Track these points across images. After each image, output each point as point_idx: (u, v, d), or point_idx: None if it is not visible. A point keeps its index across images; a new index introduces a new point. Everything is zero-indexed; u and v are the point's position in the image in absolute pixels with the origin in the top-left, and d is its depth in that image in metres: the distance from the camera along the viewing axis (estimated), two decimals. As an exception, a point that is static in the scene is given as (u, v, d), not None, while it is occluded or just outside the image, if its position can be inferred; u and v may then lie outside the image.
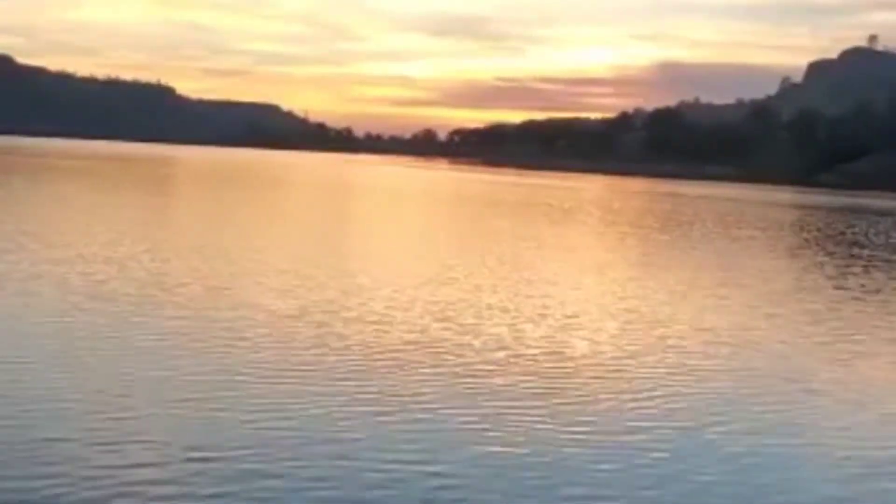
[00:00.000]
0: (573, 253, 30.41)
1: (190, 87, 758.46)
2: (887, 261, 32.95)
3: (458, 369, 12.64)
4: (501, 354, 13.67)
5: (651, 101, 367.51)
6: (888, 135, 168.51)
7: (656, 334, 15.88)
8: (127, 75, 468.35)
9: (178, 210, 43.04)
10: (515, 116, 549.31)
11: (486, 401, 11.13)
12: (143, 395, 10.50)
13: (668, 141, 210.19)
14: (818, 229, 48.74)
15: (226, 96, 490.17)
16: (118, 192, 50.31)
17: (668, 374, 13.08)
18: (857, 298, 22.25)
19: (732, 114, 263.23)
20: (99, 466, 8.28)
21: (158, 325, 14.35)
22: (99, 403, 10.09)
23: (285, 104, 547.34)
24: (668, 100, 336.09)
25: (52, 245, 23.01)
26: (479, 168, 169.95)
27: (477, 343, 14.34)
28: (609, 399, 11.56)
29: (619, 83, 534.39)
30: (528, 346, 14.31)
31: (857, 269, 28.95)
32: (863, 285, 24.86)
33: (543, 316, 17.05)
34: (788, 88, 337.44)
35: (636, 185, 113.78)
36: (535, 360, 13.38)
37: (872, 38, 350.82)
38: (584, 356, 13.97)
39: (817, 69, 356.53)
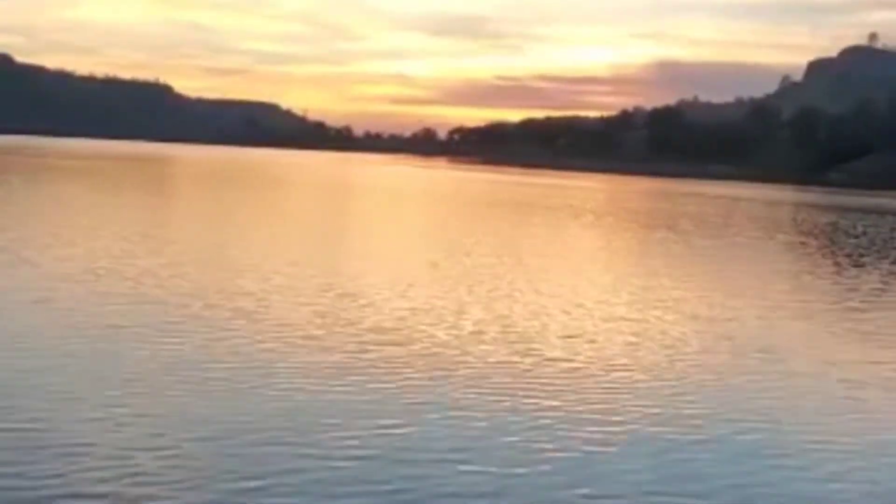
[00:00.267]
0: (650, 263, 27.81)
1: (189, 85, 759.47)
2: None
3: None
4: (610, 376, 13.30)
5: (650, 100, 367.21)
6: (890, 133, 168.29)
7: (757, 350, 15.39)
8: (126, 74, 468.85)
9: (188, 212, 42.62)
10: (514, 115, 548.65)
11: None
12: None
13: (669, 140, 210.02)
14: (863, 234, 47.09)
15: (225, 95, 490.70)
16: (122, 194, 49.90)
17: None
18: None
19: (732, 113, 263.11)
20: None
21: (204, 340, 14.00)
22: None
23: (284, 103, 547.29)
24: (668, 98, 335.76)
25: (60, 256, 22.72)
26: (480, 167, 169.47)
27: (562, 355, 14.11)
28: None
29: (618, 82, 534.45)
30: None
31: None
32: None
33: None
34: (788, 87, 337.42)
35: (646, 185, 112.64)
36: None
37: (872, 36, 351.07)
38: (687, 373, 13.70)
39: (817, 68, 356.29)
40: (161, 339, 13.53)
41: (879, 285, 25.33)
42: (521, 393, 11.70)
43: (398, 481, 8.52)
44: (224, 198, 51.70)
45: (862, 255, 34.16)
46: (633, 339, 15.58)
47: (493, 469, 8.96)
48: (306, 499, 8.03)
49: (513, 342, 14.70)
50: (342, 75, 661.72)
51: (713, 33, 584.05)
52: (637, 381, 12.68)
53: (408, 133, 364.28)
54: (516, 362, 13.38)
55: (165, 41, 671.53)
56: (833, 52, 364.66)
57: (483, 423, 10.35)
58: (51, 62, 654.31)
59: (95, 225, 29.05)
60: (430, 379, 12.17)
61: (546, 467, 9.10)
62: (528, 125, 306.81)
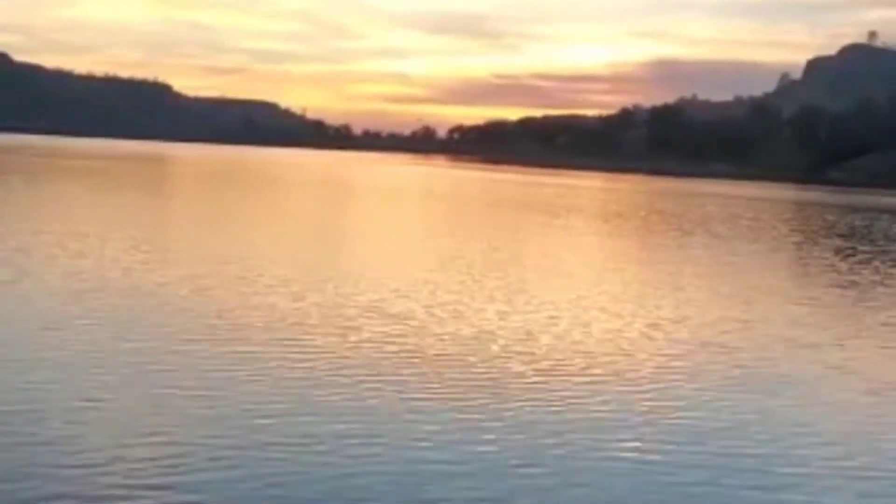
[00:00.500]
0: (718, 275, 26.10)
1: (188, 84, 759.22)
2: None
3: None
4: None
5: (648, 99, 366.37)
6: (891, 131, 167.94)
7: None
8: (125, 73, 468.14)
9: (195, 216, 42.02)
10: (512, 113, 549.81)
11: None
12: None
13: (670, 138, 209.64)
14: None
15: (224, 94, 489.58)
16: (125, 196, 49.38)
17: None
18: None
19: (731, 111, 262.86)
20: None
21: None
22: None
23: (283, 102, 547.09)
24: (666, 97, 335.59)
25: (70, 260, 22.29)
26: (481, 166, 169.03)
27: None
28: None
29: (617, 80, 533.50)
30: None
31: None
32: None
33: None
34: (787, 85, 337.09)
35: (652, 184, 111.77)
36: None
37: (872, 34, 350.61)
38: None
39: (816, 66, 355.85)
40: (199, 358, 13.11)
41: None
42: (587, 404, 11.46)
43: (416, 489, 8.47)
44: (229, 200, 51.06)
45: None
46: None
47: (503, 475, 8.91)
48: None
49: (597, 357, 14.23)
50: (341, 74, 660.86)
51: (711, 32, 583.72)
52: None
53: (407, 131, 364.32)
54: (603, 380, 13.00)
55: (164, 40, 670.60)
56: (831, 51, 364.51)
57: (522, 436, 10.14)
58: (49, 61, 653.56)
59: (103, 233, 27.62)
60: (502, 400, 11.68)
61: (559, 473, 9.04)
62: (527, 123, 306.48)
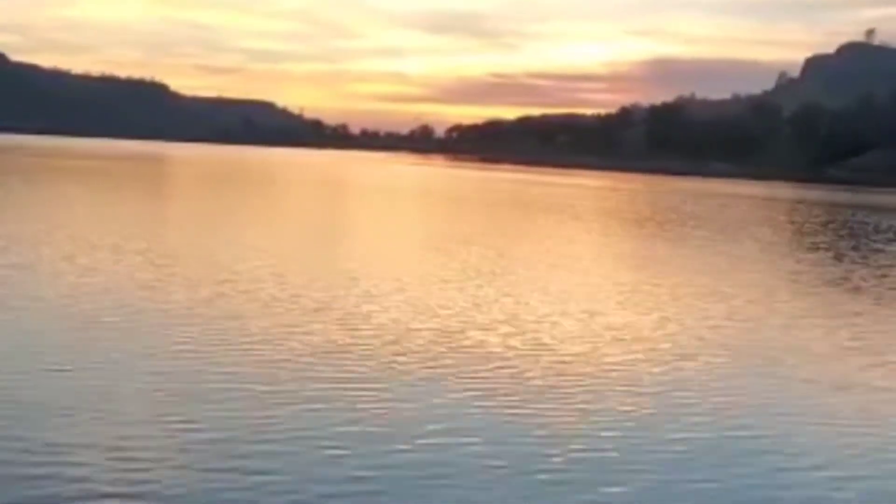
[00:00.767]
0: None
1: (185, 84, 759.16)
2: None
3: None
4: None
5: (646, 97, 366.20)
6: (893, 129, 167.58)
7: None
8: (121, 73, 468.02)
9: (203, 222, 41.35)
10: (510, 113, 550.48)
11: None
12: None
13: (669, 137, 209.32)
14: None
15: (221, 94, 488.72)
16: (126, 200, 48.63)
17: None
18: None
19: (729, 109, 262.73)
20: None
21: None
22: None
23: (281, 101, 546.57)
24: (664, 96, 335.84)
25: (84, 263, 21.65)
26: (479, 165, 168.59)
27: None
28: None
29: (614, 79, 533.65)
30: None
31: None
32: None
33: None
34: (785, 84, 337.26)
35: (657, 184, 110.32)
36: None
37: (870, 32, 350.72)
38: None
39: (814, 64, 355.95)
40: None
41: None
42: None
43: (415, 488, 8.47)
44: (232, 201, 50.23)
45: None
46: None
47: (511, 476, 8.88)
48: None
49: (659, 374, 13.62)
50: (338, 73, 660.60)
51: (709, 30, 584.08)
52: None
53: (405, 131, 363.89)
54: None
55: (161, 40, 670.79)
56: (828, 49, 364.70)
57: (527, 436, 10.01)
58: (46, 61, 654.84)
59: (113, 243, 25.42)
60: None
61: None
62: (525, 122, 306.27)
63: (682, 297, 20.54)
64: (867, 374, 13.95)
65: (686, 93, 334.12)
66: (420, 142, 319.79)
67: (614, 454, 9.67)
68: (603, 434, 10.27)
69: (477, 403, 11.19)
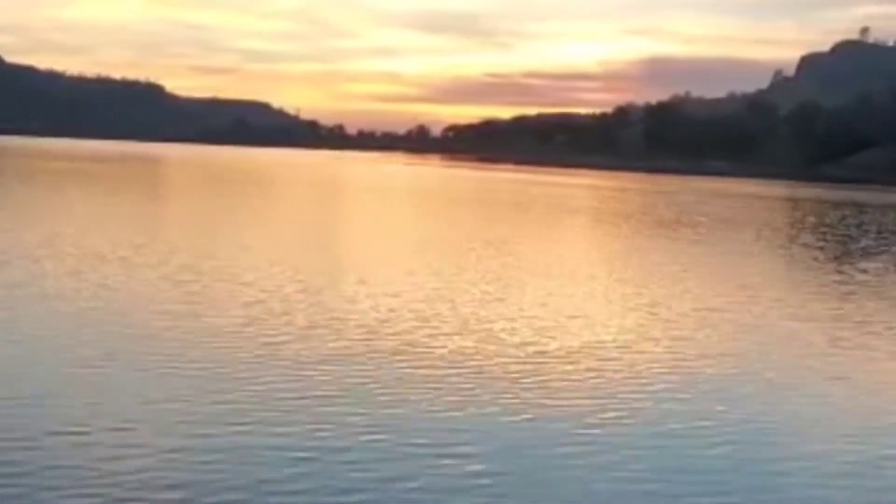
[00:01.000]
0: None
1: (180, 85, 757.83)
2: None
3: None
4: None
5: (642, 96, 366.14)
6: (890, 127, 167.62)
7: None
8: (117, 74, 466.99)
9: (211, 228, 41.45)
10: (505, 112, 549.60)
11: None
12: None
13: (666, 136, 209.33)
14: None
15: (216, 94, 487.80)
16: (129, 203, 48.45)
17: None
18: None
19: (725, 108, 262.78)
20: None
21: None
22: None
23: (276, 102, 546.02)
24: (659, 94, 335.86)
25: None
26: (477, 164, 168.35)
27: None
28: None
29: (609, 78, 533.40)
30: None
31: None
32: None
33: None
34: (780, 82, 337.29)
35: (659, 184, 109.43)
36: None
37: (864, 30, 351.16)
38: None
39: (809, 62, 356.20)
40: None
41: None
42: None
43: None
44: (237, 206, 50.06)
45: None
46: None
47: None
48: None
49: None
50: (332, 73, 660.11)
51: (703, 29, 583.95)
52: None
53: (400, 130, 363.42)
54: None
55: (156, 40, 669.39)
56: (822, 47, 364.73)
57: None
58: (41, 62, 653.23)
59: (123, 255, 24.01)
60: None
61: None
62: (521, 122, 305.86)
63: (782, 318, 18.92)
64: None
65: (681, 91, 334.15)
66: (417, 142, 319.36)
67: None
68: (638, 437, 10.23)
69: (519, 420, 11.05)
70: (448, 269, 23.42)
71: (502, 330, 15.79)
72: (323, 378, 12.13)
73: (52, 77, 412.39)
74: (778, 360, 14.69)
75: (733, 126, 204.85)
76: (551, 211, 51.66)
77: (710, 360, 14.32)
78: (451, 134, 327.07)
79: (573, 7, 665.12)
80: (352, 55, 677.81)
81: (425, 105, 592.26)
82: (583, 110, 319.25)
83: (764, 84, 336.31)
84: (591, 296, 20.30)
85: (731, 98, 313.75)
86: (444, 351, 14.06)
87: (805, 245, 36.61)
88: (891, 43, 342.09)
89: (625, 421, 10.91)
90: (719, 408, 11.76)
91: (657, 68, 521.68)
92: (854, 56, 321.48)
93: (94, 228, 29.12)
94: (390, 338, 14.77)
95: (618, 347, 14.93)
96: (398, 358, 13.37)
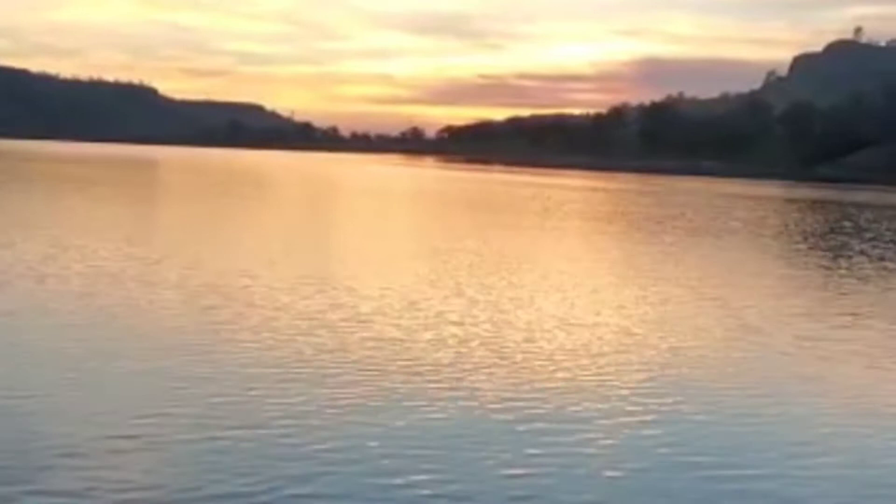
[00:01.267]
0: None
1: (173, 87, 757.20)
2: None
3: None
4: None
5: (634, 97, 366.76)
6: (885, 127, 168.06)
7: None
8: (110, 76, 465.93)
9: (217, 236, 41.38)
10: (498, 114, 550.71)
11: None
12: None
13: (660, 136, 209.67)
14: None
15: (209, 97, 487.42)
16: (129, 208, 48.33)
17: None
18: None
19: (718, 108, 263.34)
20: None
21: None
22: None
23: (268, 104, 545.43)
24: (652, 95, 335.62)
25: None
26: (471, 166, 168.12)
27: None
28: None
29: (601, 79, 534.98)
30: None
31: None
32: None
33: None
34: (774, 82, 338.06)
35: (659, 184, 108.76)
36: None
37: (858, 30, 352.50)
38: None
39: (802, 63, 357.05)
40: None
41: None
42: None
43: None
44: (239, 210, 50.14)
45: None
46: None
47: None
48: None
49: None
50: (325, 75, 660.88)
51: (696, 29, 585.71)
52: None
53: (393, 132, 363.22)
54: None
55: (149, 43, 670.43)
56: (815, 47, 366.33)
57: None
58: (35, 64, 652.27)
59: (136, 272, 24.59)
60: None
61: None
62: (515, 123, 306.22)
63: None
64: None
65: (675, 92, 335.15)
66: (411, 143, 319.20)
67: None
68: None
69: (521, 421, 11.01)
70: (469, 284, 23.46)
71: (526, 340, 15.41)
72: (323, 378, 12.06)
73: (46, 80, 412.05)
74: (778, 360, 14.70)
75: (727, 126, 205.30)
76: (551, 214, 51.62)
77: (709, 362, 14.33)
78: (445, 135, 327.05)
79: (566, 8, 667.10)
80: (344, 57, 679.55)
81: (418, 107, 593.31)
82: (576, 111, 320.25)
83: (757, 84, 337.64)
84: (574, 300, 19.82)
85: (725, 98, 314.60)
86: (460, 358, 13.86)
87: (831, 248, 35.53)
88: (883, 43, 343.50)
89: (625, 420, 10.90)
90: (707, 412, 11.60)
91: (650, 69, 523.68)
92: (847, 56, 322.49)
93: (93, 230, 29.01)
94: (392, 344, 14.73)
95: (592, 354, 14.49)
96: (397, 360, 13.29)
